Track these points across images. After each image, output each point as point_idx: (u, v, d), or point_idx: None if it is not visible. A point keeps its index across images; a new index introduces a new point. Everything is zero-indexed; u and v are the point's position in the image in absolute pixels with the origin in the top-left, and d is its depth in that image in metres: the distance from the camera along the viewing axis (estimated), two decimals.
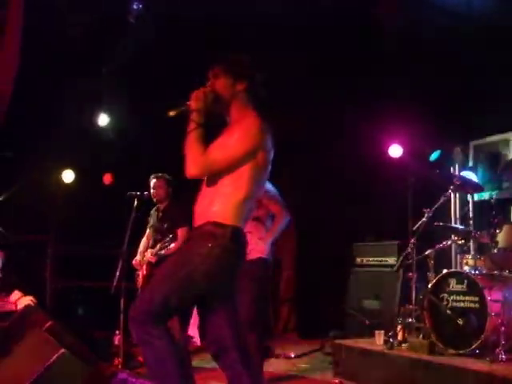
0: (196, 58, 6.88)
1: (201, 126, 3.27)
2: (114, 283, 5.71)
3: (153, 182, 6.34)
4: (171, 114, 3.39)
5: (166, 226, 6.22)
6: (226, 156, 3.19)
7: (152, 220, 6.48)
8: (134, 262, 6.40)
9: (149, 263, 6.16)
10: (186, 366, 3.32)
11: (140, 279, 6.29)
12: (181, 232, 6.05)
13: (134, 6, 6.39)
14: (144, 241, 6.52)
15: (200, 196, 3.35)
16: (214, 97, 3.33)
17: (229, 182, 3.20)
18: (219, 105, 3.36)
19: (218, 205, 3.21)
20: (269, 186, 4.92)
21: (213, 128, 3.34)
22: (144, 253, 6.36)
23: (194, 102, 3.29)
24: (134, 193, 6.07)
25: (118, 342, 6.38)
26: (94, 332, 6.67)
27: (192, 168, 3.22)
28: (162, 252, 5.92)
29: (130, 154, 7.93)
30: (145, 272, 6.20)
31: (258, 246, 4.80)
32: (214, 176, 3.24)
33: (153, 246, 6.18)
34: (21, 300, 5.12)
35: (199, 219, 3.27)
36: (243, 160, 3.18)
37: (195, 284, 3.15)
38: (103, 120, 7.94)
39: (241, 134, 3.20)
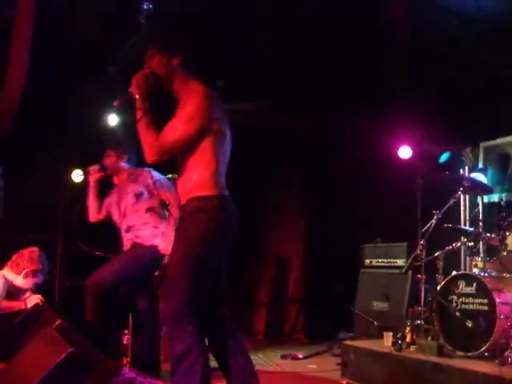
0: (205, 57, 6.92)
1: (148, 112, 3.35)
2: None
3: None
4: (115, 104, 3.49)
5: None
6: (179, 137, 3.30)
7: None
8: None
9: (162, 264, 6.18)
10: (208, 370, 3.33)
11: (154, 279, 6.31)
12: None
13: (144, 6, 6.39)
14: None
15: (178, 176, 3.47)
16: (153, 78, 3.42)
17: (196, 158, 3.31)
18: (161, 84, 3.47)
19: (194, 180, 3.30)
20: (157, 174, 5.12)
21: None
22: None
23: (135, 87, 3.40)
24: None
25: (126, 341, 6.38)
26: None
27: (150, 155, 3.38)
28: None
29: (138, 154, 7.93)
30: (157, 272, 6.22)
31: (151, 235, 4.94)
32: (181, 155, 3.35)
33: None
34: (30, 298, 5.15)
35: (183, 198, 3.39)
36: (199, 136, 3.27)
37: (206, 263, 3.23)
38: (113, 120, 7.95)
39: (189, 111, 3.30)
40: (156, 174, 5.16)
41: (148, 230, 5.04)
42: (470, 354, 4.86)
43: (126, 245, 5.21)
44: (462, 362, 4.70)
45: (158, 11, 6.15)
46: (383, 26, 6.39)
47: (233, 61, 6.91)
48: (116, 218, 5.36)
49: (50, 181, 7.73)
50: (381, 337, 5.76)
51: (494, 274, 5.26)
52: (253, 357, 6.95)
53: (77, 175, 7.72)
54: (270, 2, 6.06)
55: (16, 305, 5.04)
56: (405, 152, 7.20)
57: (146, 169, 5.20)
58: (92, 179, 5.47)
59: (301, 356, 6.82)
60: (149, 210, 5.10)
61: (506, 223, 5.27)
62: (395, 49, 6.57)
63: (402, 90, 6.98)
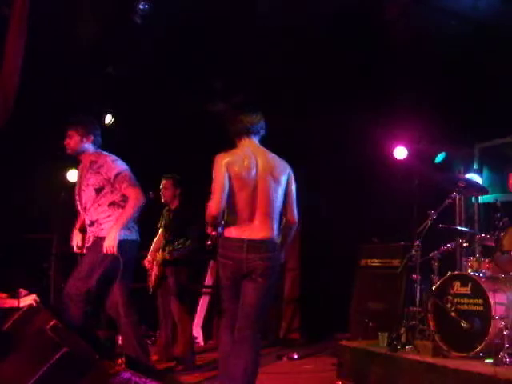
0: (202, 58, 6.94)
1: None
2: None
3: (162, 182, 6.40)
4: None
5: (177, 226, 6.26)
6: None
7: (164, 220, 6.51)
8: (145, 261, 6.43)
9: (160, 264, 6.19)
10: None
11: (152, 279, 6.31)
12: (191, 231, 6.12)
13: (141, 6, 6.40)
14: (156, 241, 6.55)
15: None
16: None
17: None
18: None
19: None
20: (120, 164, 4.93)
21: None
22: (155, 253, 6.38)
23: None
24: None
25: (121, 341, 6.38)
26: (98, 331, 6.67)
27: None
28: (179, 251, 5.98)
29: (134, 153, 7.93)
30: (157, 272, 6.23)
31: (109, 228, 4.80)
32: None
33: (164, 246, 6.21)
34: (24, 298, 5.12)
35: None
36: None
37: None
38: (108, 119, 7.95)
39: None
40: (119, 164, 4.92)
41: (111, 223, 4.82)
42: (465, 354, 4.87)
43: (89, 239, 4.97)
44: (456, 363, 4.71)
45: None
46: (381, 25, 6.40)
47: (231, 61, 6.93)
48: (78, 208, 5.11)
49: (46, 181, 7.73)
50: (376, 337, 5.77)
51: (489, 274, 5.26)
52: None
53: (72, 175, 7.74)
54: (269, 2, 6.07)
55: (8, 302, 5.01)
56: (401, 152, 7.20)
57: (110, 157, 4.97)
58: None
59: (296, 356, 6.82)
60: (111, 204, 4.88)
61: (501, 224, 5.28)
62: (392, 49, 6.57)
63: (399, 90, 6.99)
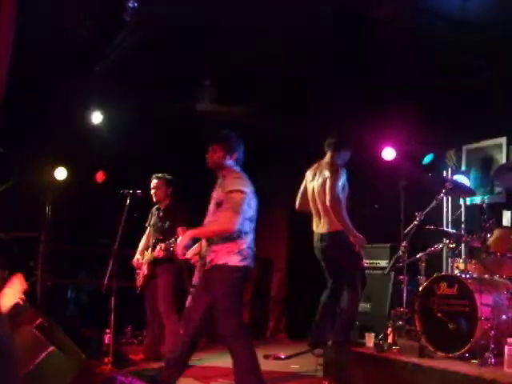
0: (192, 57, 6.92)
1: None
2: (105, 282, 5.70)
3: (152, 182, 6.37)
4: None
5: (167, 225, 6.24)
6: None
7: (153, 219, 6.50)
8: (134, 261, 6.41)
9: (149, 263, 6.17)
10: None
11: (140, 278, 6.29)
12: (181, 230, 6.09)
13: (130, 4, 6.37)
14: (144, 240, 6.53)
15: None
16: None
17: None
18: None
19: None
20: (241, 187, 4.59)
21: None
22: (144, 252, 6.37)
23: None
24: (126, 191, 6.07)
25: (108, 340, 6.36)
26: (84, 330, 6.65)
27: None
28: (171, 249, 5.90)
29: (122, 152, 7.92)
30: (146, 271, 6.21)
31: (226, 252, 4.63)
32: None
33: (154, 245, 6.19)
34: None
35: None
36: None
37: None
38: (97, 118, 7.92)
39: None
40: (238, 183, 4.58)
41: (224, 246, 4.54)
42: (450, 354, 4.89)
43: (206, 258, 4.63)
44: (443, 363, 4.73)
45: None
46: (369, 27, 6.41)
47: (224, 62, 6.93)
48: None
49: (34, 178, 7.70)
50: (363, 337, 5.78)
51: (475, 275, 5.29)
52: None
53: (60, 173, 7.71)
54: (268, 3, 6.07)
55: None
56: (388, 153, 7.22)
57: (237, 174, 4.69)
58: None
59: (283, 356, 6.82)
60: None
61: (487, 225, 5.31)
62: (381, 50, 6.59)
63: (387, 91, 7.00)
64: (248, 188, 4.56)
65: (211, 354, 6.76)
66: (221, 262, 4.44)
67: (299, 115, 7.71)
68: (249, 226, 4.57)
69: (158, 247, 6.05)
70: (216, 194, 4.69)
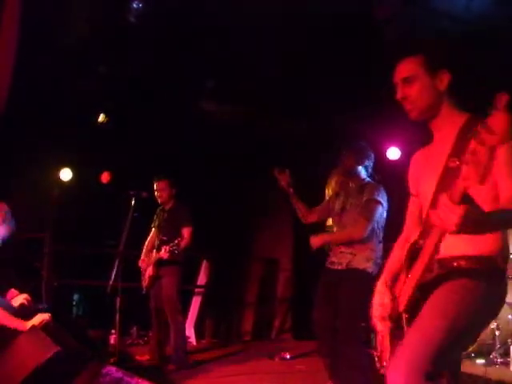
0: (197, 57, 6.93)
1: None
2: (111, 282, 5.71)
3: (156, 184, 6.36)
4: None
5: (171, 226, 6.24)
6: None
7: (157, 220, 6.50)
8: (140, 262, 6.41)
9: (154, 264, 6.17)
10: None
11: (146, 279, 6.30)
12: (186, 232, 6.11)
13: (134, 6, 6.39)
14: (149, 241, 6.54)
15: None
16: None
17: None
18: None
19: None
20: (379, 198, 4.81)
21: None
22: (150, 253, 6.37)
23: None
24: (131, 192, 6.07)
25: (113, 341, 6.38)
26: (90, 331, 6.67)
27: None
28: (175, 251, 5.92)
29: (128, 153, 7.94)
30: (150, 272, 6.21)
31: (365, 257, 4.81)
32: None
33: (159, 247, 6.19)
34: (16, 298, 5.11)
35: None
36: None
37: None
38: (102, 119, 7.94)
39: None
40: (377, 194, 4.77)
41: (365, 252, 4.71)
42: None
43: (340, 259, 4.86)
44: None
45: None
46: (372, 25, 6.41)
47: (223, 61, 6.93)
48: (331, 223, 5.24)
49: (39, 179, 7.72)
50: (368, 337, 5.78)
51: None
52: (240, 357, 6.99)
53: (65, 174, 7.73)
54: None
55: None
56: (394, 153, 7.21)
57: (376, 185, 4.87)
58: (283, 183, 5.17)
59: (288, 356, 6.81)
60: None
61: None
62: (384, 50, 6.58)
63: (392, 90, 6.99)
64: (384, 199, 4.77)
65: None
66: (360, 266, 4.64)
67: (302, 116, 7.71)
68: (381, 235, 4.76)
69: (163, 249, 6.05)
70: (355, 201, 4.82)
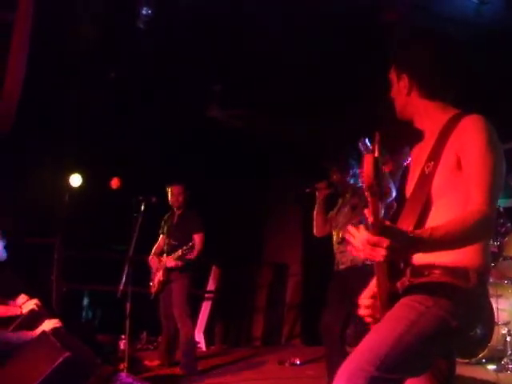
0: (208, 61, 6.94)
1: None
2: (121, 287, 5.71)
3: (171, 189, 6.37)
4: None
5: (182, 231, 6.25)
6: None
7: (166, 226, 6.50)
8: (150, 259, 6.42)
9: (165, 269, 6.17)
10: None
11: (155, 284, 6.29)
12: (198, 237, 6.12)
13: (143, 12, 6.40)
14: (157, 246, 6.54)
15: None
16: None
17: None
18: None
19: None
20: None
21: None
22: (159, 256, 6.37)
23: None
24: (140, 197, 6.08)
25: (123, 346, 6.38)
26: (100, 336, 6.67)
27: None
28: (184, 257, 5.94)
29: (137, 159, 7.95)
30: (161, 278, 6.21)
31: None
32: None
33: (168, 252, 6.20)
34: (26, 304, 5.13)
35: None
36: None
37: None
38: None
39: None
40: None
41: None
42: (467, 360, 4.85)
43: (342, 259, 5.21)
44: (459, 369, 4.65)
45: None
46: (378, 30, 6.40)
47: (229, 65, 6.93)
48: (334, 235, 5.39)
49: (49, 185, 7.74)
50: None
51: (492, 280, 5.24)
52: (250, 363, 6.96)
53: (75, 179, 7.75)
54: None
55: (12, 310, 5.01)
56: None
57: None
58: (320, 195, 5.28)
59: (298, 362, 6.79)
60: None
61: (503, 229, 5.27)
62: (388, 54, 6.56)
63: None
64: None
65: None
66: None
67: (310, 117, 7.70)
68: None
69: (174, 255, 6.06)
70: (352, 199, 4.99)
